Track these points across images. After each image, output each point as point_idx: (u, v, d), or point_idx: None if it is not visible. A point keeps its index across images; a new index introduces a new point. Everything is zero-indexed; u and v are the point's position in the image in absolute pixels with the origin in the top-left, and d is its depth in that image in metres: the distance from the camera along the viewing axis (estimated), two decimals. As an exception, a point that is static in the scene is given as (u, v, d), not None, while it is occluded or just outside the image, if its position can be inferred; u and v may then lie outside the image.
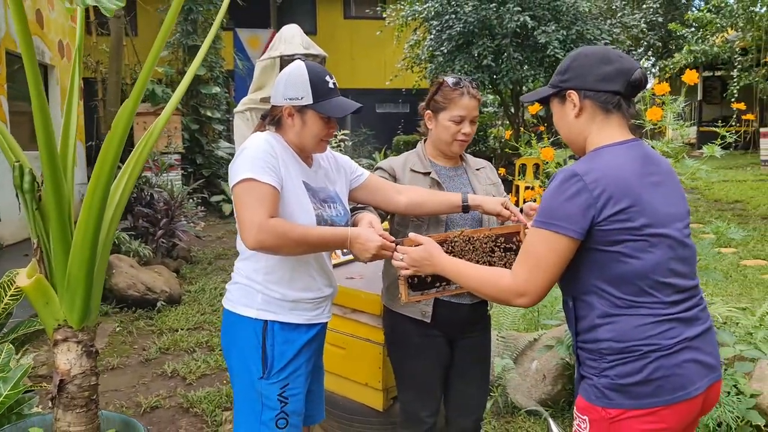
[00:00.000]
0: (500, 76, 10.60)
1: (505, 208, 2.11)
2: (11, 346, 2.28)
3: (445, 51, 10.75)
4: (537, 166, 8.57)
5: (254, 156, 1.81)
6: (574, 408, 1.62)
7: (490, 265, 2.00)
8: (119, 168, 2.08)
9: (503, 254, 2.05)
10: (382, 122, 16.50)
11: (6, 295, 2.43)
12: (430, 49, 11.44)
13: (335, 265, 3.11)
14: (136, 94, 1.89)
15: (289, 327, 1.91)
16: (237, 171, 1.80)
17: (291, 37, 3.26)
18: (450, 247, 1.94)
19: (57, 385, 1.93)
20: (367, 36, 15.37)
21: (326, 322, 2.08)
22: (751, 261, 6.87)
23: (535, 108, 3.06)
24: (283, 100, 1.90)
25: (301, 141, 1.93)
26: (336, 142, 12.93)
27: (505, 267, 1.94)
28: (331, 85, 1.90)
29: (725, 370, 3.02)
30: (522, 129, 11.28)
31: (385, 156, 13.94)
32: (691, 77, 2.81)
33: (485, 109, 15.69)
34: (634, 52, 18.41)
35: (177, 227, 6.70)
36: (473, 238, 1.99)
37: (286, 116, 1.91)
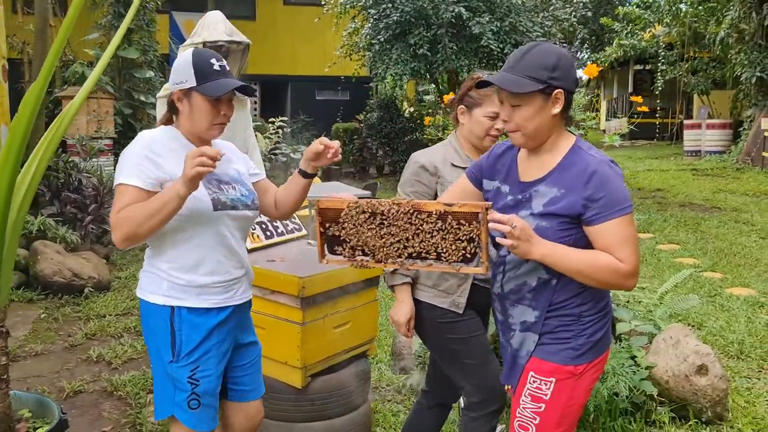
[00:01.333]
0: (436, 66, 10.78)
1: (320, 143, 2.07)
2: None
3: (383, 39, 10.84)
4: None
5: (124, 160, 1.91)
6: (530, 375, 1.80)
7: (430, 249, 1.75)
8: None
9: (450, 238, 1.72)
10: (321, 109, 16.50)
11: None
12: (368, 37, 11.52)
13: (256, 249, 3.21)
14: (44, 73, 1.93)
15: (198, 312, 1.97)
16: (115, 176, 1.90)
17: (214, 24, 3.29)
18: (383, 217, 1.76)
19: (-34, 365, 1.96)
20: (307, 23, 15.30)
21: (242, 303, 2.13)
22: (665, 245, 7.29)
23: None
24: (172, 86, 1.97)
25: (193, 126, 1.98)
26: (274, 129, 12.90)
27: (448, 255, 1.73)
28: (216, 67, 1.94)
29: (620, 342, 3.27)
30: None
31: (324, 143, 13.96)
32: (591, 71, 3.01)
33: (426, 97, 15.90)
34: (570, 46, 18.98)
35: (107, 213, 6.60)
36: (422, 212, 1.74)
37: (176, 101, 1.98)
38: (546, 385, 1.77)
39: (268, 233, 3.36)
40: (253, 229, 3.26)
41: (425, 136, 12.72)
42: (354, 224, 1.78)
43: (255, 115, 16.22)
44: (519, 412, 1.82)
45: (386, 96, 13.39)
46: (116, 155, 9.79)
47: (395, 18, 10.45)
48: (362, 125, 13.89)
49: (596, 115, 27.60)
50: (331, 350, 2.97)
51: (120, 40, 2.36)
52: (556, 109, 1.73)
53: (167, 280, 1.96)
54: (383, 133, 13.08)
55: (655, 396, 3.20)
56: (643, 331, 3.30)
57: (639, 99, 3.20)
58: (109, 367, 4.03)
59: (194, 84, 1.91)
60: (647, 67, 20.05)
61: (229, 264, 2.02)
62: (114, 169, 7.35)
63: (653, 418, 3.18)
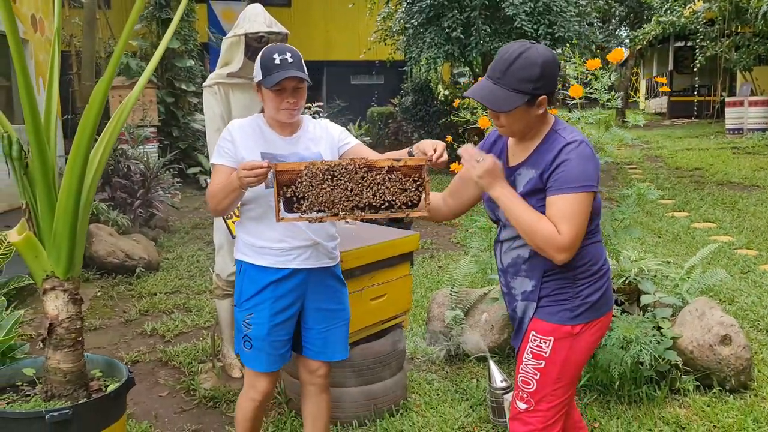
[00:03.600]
0: (470, 48, 10.81)
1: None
2: (3, 299, 2.56)
3: (416, 23, 10.92)
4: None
5: (216, 144, 2.35)
6: (531, 334, 1.97)
7: (381, 199, 2.02)
8: (96, 139, 2.35)
9: (398, 188, 2.02)
10: (356, 94, 16.68)
11: (-4, 254, 2.69)
12: (402, 21, 11.61)
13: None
14: (111, 68, 2.15)
15: (257, 268, 2.32)
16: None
17: (255, 16, 3.48)
18: (338, 174, 1.99)
19: (47, 328, 2.21)
20: (341, 8, 15.46)
21: (311, 268, 2.34)
22: (701, 224, 7.29)
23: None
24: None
25: (269, 112, 2.32)
26: (312, 114, 13.12)
27: (397, 203, 2.02)
28: (277, 61, 2.21)
29: (644, 313, 3.39)
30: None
31: (360, 128, 14.16)
32: (616, 56, 3.12)
33: (461, 80, 15.92)
34: (606, 24, 18.69)
35: (154, 198, 6.93)
36: (372, 167, 2.00)
37: (256, 92, 2.34)
38: (545, 343, 1.93)
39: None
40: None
41: (458, 119, 12.81)
42: (312, 183, 2.00)
43: (292, 101, 16.49)
44: (522, 369, 2.00)
45: (420, 79, 13.47)
46: (161, 142, 10.18)
47: (428, 2, 10.51)
48: (397, 109, 14.02)
49: (635, 94, 27.17)
50: (368, 321, 3.18)
51: (172, 33, 2.57)
52: (540, 110, 1.88)
53: (241, 240, 2.37)
54: (418, 116, 13.19)
55: (680, 365, 3.32)
56: (667, 302, 3.42)
57: (663, 80, 3.29)
58: (162, 339, 4.32)
59: (260, 78, 2.25)
60: (688, 44, 19.65)
61: (285, 234, 2.28)
62: (158, 156, 7.71)
63: (678, 386, 3.30)
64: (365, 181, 2.01)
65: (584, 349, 1.97)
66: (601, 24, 16.76)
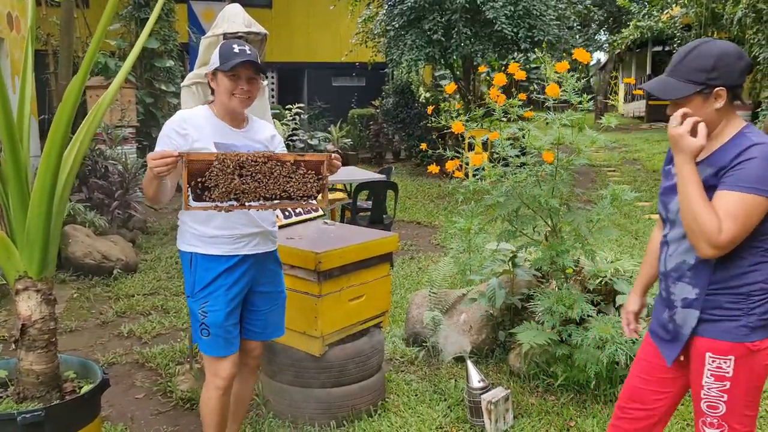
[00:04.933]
0: (450, 51, 10.87)
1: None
2: (-25, 299, 2.52)
3: (397, 26, 10.96)
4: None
5: (161, 133, 2.35)
6: (708, 356, 1.84)
7: (285, 191, 2.20)
8: (71, 138, 2.33)
9: (301, 181, 2.21)
10: (338, 96, 16.66)
11: (-32, 255, 2.64)
12: (383, 23, 11.64)
13: (280, 227, 3.41)
14: (85, 67, 2.13)
15: (209, 258, 2.37)
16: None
17: (233, 16, 3.47)
18: (247, 165, 2.13)
19: (20, 329, 2.19)
20: (322, 10, 15.45)
21: (257, 254, 2.46)
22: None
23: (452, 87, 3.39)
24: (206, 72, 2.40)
25: (221, 101, 2.37)
26: (291, 116, 13.09)
27: (298, 195, 2.21)
28: (236, 51, 2.32)
29: (620, 314, 3.43)
30: (472, 103, 11.63)
31: (341, 129, 14.15)
32: (582, 56, 3.15)
33: (443, 82, 15.99)
34: (586, 28, 18.89)
35: (132, 199, 6.87)
36: (279, 162, 2.18)
37: (210, 82, 2.39)
38: (726, 363, 1.83)
39: (287, 213, 3.56)
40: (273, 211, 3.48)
41: (434, 123, 12.87)
42: (223, 174, 2.10)
43: (273, 103, 16.43)
44: (704, 394, 1.88)
45: (401, 82, 13.50)
46: (139, 143, 10.08)
47: (409, 4, 10.56)
48: (378, 111, 14.03)
49: (614, 98, 27.47)
50: (346, 321, 3.17)
51: (149, 32, 2.56)
52: (719, 105, 1.81)
53: (188, 232, 2.39)
54: (399, 118, 13.21)
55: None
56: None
57: (632, 81, 3.34)
58: (139, 341, 4.28)
59: (218, 64, 2.32)
60: (666, 48, 19.90)
61: (237, 221, 2.36)
62: (136, 157, 7.61)
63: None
64: (273, 174, 2.17)
65: (764, 367, 1.85)
66: (580, 28, 16.94)
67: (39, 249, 2.15)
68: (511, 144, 3.31)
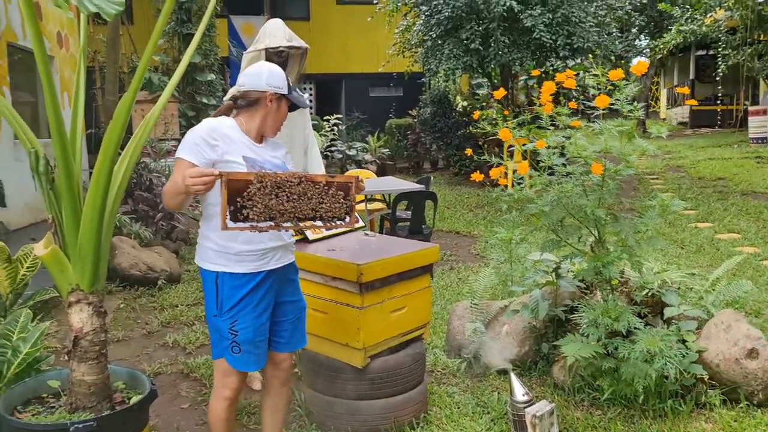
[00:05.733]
0: (488, 60, 10.82)
1: None
2: (29, 311, 2.60)
3: (434, 35, 10.96)
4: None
5: (187, 139, 2.31)
6: None
7: (317, 211, 2.25)
8: (120, 153, 2.39)
9: (333, 201, 2.27)
10: (375, 106, 16.74)
11: (23, 268, 2.73)
12: (420, 33, 11.66)
13: (317, 240, 3.44)
14: (135, 84, 2.19)
15: (236, 276, 2.36)
16: (177, 150, 2.29)
17: (275, 31, 3.52)
18: (283, 185, 2.16)
19: (72, 341, 2.24)
20: (360, 21, 15.56)
21: (280, 267, 2.48)
22: (725, 235, 7.18)
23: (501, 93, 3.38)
24: (266, 87, 2.37)
25: (266, 123, 2.40)
26: (329, 127, 13.19)
27: (329, 216, 2.26)
28: (290, 83, 2.43)
29: (669, 326, 3.35)
30: (508, 111, 11.54)
31: (378, 139, 14.20)
32: (640, 68, 3.09)
33: (480, 91, 15.92)
34: (626, 34, 18.58)
35: (176, 211, 7.00)
36: (312, 182, 2.23)
37: (267, 101, 2.37)
38: None
39: (329, 226, 3.57)
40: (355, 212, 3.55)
41: (477, 130, 12.79)
42: (261, 194, 2.12)
43: (312, 114, 16.61)
44: None
45: (439, 91, 13.49)
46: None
47: (447, 14, 10.55)
48: (416, 120, 14.04)
49: (656, 104, 26.93)
50: (388, 333, 3.17)
51: (195, 48, 2.62)
52: None
53: (212, 249, 2.36)
54: (437, 127, 13.19)
55: (706, 379, 3.27)
56: (692, 315, 3.37)
57: (686, 90, 3.28)
58: (183, 351, 4.35)
59: (286, 93, 2.40)
60: (710, 53, 19.46)
61: (263, 235, 2.35)
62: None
63: (704, 401, 3.25)
64: (306, 194, 2.21)
65: None
66: (620, 34, 16.69)
67: (90, 262, 2.21)
68: (555, 153, 3.27)
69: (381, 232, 6.89)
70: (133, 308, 5.28)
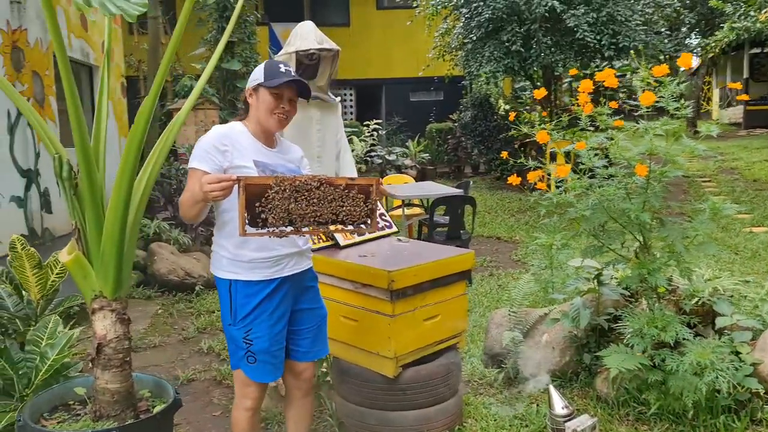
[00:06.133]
0: (530, 62, 10.62)
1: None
2: (58, 317, 2.59)
3: (474, 38, 10.81)
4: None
5: (198, 146, 2.28)
6: None
7: (337, 215, 2.16)
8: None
9: (353, 204, 2.18)
10: (416, 110, 16.64)
11: (53, 274, 2.73)
12: (460, 36, 11.53)
13: (349, 245, 3.36)
14: (154, 90, 2.16)
15: (249, 284, 2.29)
16: (189, 160, 2.24)
17: (306, 33, 3.48)
18: (302, 189, 2.09)
19: (95, 348, 2.21)
20: (399, 26, 15.51)
21: (295, 273, 2.41)
22: (782, 240, 6.84)
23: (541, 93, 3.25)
24: (246, 87, 2.36)
25: (259, 118, 2.31)
26: (369, 132, 13.15)
27: (350, 219, 2.17)
28: (282, 70, 2.29)
29: (721, 337, 3.15)
30: (554, 113, 11.29)
31: (418, 144, 14.09)
32: (685, 61, 2.92)
33: (524, 93, 15.68)
34: (676, 33, 18.05)
35: (214, 217, 7.03)
36: (332, 186, 2.14)
37: (248, 97, 2.34)
38: None
39: (359, 231, 3.49)
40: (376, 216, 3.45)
41: (515, 132, 12.58)
42: (280, 198, 2.04)
43: (351, 119, 16.61)
44: None
45: (480, 94, 13.31)
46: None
47: (487, 15, 10.39)
48: (456, 125, 13.89)
49: (708, 104, 26.07)
50: (421, 342, 3.06)
51: (219, 55, 2.60)
52: None
53: (225, 257, 2.31)
54: (477, 131, 13.01)
55: (761, 393, 3.06)
56: (747, 326, 3.16)
57: (738, 86, 3.08)
58: (218, 358, 4.33)
59: (262, 80, 2.28)
60: (765, 50, 18.72)
61: (275, 242, 2.25)
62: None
63: (759, 417, 3.04)
64: (326, 198, 2.14)
65: None
66: (669, 32, 16.19)
67: (113, 269, 2.18)
68: (596, 154, 3.12)
69: (419, 238, 6.79)
70: (170, 314, 5.30)
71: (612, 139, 2.96)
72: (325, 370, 3.49)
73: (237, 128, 2.35)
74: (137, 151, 2.14)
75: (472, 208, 6.26)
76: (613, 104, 3.02)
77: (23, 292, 2.76)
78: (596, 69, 11.48)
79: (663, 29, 12.48)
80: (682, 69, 12.69)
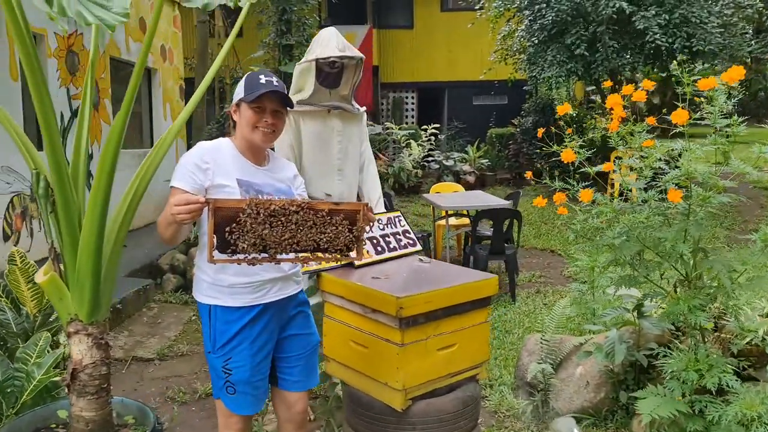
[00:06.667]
0: (595, 66, 10.13)
1: None
2: (48, 334, 2.52)
3: (537, 41, 10.42)
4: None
5: (180, 164, 2.15)
6: None
7: (319, 242, 1.99)
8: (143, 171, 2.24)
9: (336, 231, 2.02)
10: (479, 115, 16.28)
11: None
12: (523, 39, 11.15)
13: (365, 265, 3.17)
14: (197, 96, 2.03)
15: (229, 310, 2.17)
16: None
17: (327, 40, 3.32)
18: (279, 214, 1.93)
19: (70, 373, 2.12)
20: (463, 28, 15.19)
21: (281, 299, 2.27)
22: None
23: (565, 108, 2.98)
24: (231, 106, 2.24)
25: (242, 134, 2.18)
26: (427, 136, 12.91)
27: (333, 247, 2.01)
28: (263, 81, 2.15)
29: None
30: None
31: (478, 149, 13.73)
32: (733, 75, 2.58)
33: (596, 97, 15.05)
34: (763, 34, 16.93)
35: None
36: (313, 211, 1.98)
37: (233, 114, 2.23)
38: None
39: (380, 248, 3.31)
40: (363, 244, 3.25)
41: (544, 150, 12.05)
42: (252, 223, 1.87)
43: (412, 123, 16.42)
44: None
45: (542, 99, 12.84)
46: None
47: (551, 18, 9.99)
48: (517, 130, 13.47)
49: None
50: (434, 373, 2.84)
51: (227, 53, 2.49)
52: None
53: (205, 281, 2.19)
54: (539, 137, 12.56)
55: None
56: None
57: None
58: (241, 371, 4.22)
59: (242, 95, 2.17)
60: None
61: (258, 267, 2.11)
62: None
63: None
64: (306, 223, 1.97)
65: None
66: (754, 34, 15.18)
67: (89, 292, 2.08)
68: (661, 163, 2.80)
69: (464, 250, 6.53)
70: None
71: (646, 158, 2.65)
72: (339, 394, 3.32)
73: (222, 145, 2.23)
74: (111, 166, 2.03)
75: (517, 222, 5.94)
76: (651, 120, 2.72)
77: (21, 307, 2.72)
78: (667, 73, 10.84)
79: (747, 31, 11.67)
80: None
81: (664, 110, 2.60)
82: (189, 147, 10.55)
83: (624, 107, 2.89)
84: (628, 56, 10.04)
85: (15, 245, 5.05)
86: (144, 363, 4.41)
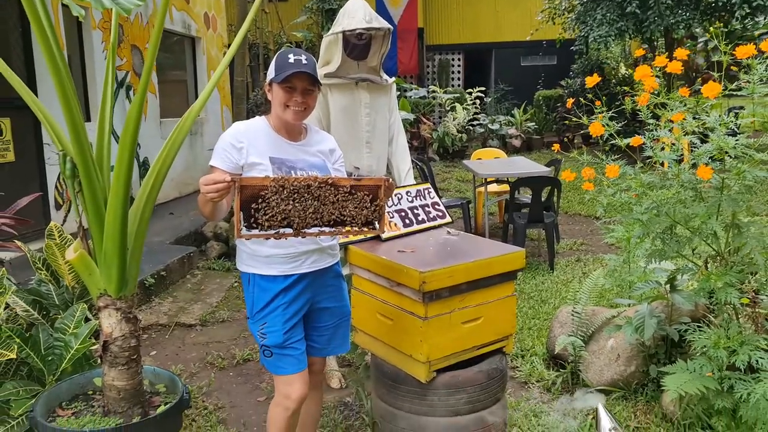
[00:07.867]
0: (647, 24, 9.72)
1: None
2: (85, 305, 2.65)
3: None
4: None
5: (218, 144, 2.25)
6: None
7: (342, 216, 2.07)
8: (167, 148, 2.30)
9: (358, 206, 2.09)
10: (526, 76, 15.90)
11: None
12: (571, -3, 10.78)
13: (392, 237, 3.19)
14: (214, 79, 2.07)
15: (266, 278, 2.28)
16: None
17: (354, 12, 3.28)
18: (302, 191, 2.00)
19: (102, 345, 2.23)
20: (510, -14, 14.79)
21: (315, 270, 2.37)
22: None
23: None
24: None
25: (276, 113, 2.25)
26: (472, 100, 12.70)
27: (355, 221, 2.08)
28: (291, 61, 2.18)
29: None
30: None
31: (525, 112, 13.44)
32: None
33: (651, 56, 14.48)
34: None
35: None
36: (336, 185, 2.05)
37: (267, 93, 2.29)
38: None
39: (408, 221, 3.31)
40: (391, 217, 3.26)
41: (571, 122, 11.65)
42: (275, 200, 1.96)
43: (458, 86, 16.16)
44: None
45: (591, 60, 12.43)
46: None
47: (600, -26, 9.62)
48: (566, 92, 13.11)
49: None
50: (458, 346, 2.86)
51: (248, 27, 2.52)
52: None
53: (245, 252, 2.31)
54: (588, 99, 12.21)
55: None
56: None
57: None
58: (278, 338, 4.34)
59: (273, 76, 2.21)
60: None
61: (293, 239, 2.19)
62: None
63: None
64: (328, 199, 2.05)
65: None
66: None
67: (116, 268, 2.16)
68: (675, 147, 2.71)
69: (505, 218, 6.47)
70: (244, 288, 5.40)
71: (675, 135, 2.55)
72: (369, 363, 3.38)
73: (257, 124, 2.31)
74: (131, 147, 2.08)
75: (557, 191, 5.84)
76: (683, 91, 2.61)
77: (60, 279, 2.86)
78: (727, 29, 10.32)
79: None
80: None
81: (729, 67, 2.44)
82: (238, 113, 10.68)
83: (682, 63, 2.73)
84: (683, 13, 9.60)
85: (67, 213, 5.26)
86: (186, 328, 4.57)
